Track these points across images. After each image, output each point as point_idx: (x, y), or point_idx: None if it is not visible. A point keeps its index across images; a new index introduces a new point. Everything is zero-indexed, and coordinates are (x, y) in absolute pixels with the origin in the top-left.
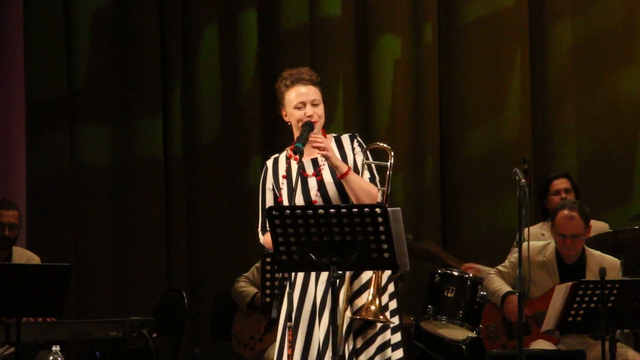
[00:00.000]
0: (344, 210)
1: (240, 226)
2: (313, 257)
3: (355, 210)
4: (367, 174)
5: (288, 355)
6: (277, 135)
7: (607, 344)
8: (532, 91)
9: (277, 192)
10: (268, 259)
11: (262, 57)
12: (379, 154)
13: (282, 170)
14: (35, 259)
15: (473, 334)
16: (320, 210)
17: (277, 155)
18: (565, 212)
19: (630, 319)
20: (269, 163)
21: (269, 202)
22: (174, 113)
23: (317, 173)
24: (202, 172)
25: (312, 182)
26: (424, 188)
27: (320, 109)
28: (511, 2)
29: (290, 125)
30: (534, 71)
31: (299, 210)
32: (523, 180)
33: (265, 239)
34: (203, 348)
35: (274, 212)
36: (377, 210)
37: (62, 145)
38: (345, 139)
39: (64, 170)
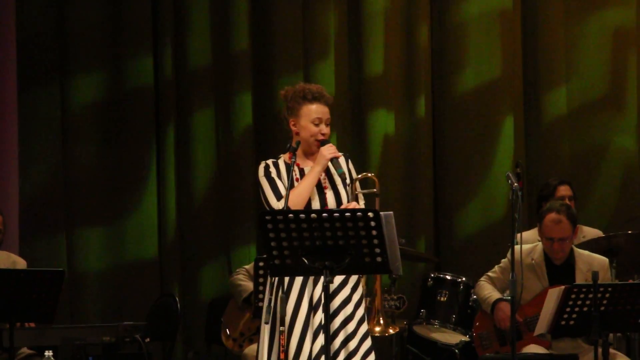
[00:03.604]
0: (337, 214)
1: (233, 230)
2: (306, 261)
3: (347, 214)
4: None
5: None
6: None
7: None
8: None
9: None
10: (261, 263)
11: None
12: (363, 183)
13: (285, 174)
14: (20, 262)
15: (466, 338)
16: (313, 215)
17: (272, 160)
18: (553, 215)
19: (622, 322)
20: (270, 162)
21: (281, 188)
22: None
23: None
24: (195, 175)
25: (330, 194)
26: (416, 192)
27: (329, 129)
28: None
29: (293, 132)
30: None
31: (291, 215)
32: (516, 184)
33: (291, 198)
34: (196, 352)
35: (266, 216)
36: (370, 214)
37: (55, 150)
38: (341, 157)
39: (57, 173)
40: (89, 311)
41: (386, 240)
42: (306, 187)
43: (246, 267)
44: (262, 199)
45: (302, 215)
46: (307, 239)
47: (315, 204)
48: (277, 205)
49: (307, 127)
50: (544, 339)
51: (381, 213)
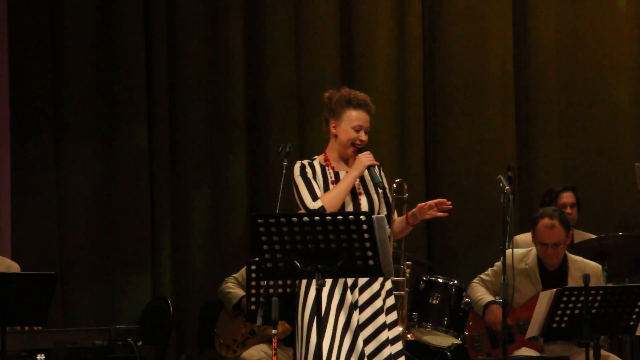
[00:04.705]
0: (329, 217)
1: (225, 233)
2: (298, 264)
3: (340, 217)
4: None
5: None
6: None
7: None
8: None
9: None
10: (253, 267)
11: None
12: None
13: (320, 175)
14: (14, 267)
15: (458, 341)
16: (305, 218)
17: (307, 161)
18: (546, 220)
19: (614, 325)
20: (306, 162)
21: (316, 188)
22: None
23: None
24: (187, 177)
25: (363, 200)
26: (410, 194)
27: (367, 138)
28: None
29: (332, 134)
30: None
31: (283, 218)
32: (507, 188)
33: (323, 200)
34: (189, 356)
35: (258, 220)
36: (362, 217)
37: (47, 155)
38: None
39: (49, 179)
40: (81, 314)
41: (378, 243)
42: (343, 190)
43: (235, 275)
44: (297, 198)
45: (294, 219)
46: (299, 242)
47: (349, 209)
48: (313, 205)
49: (347, 131)
50: (535, 342)
51: (373, 216)
